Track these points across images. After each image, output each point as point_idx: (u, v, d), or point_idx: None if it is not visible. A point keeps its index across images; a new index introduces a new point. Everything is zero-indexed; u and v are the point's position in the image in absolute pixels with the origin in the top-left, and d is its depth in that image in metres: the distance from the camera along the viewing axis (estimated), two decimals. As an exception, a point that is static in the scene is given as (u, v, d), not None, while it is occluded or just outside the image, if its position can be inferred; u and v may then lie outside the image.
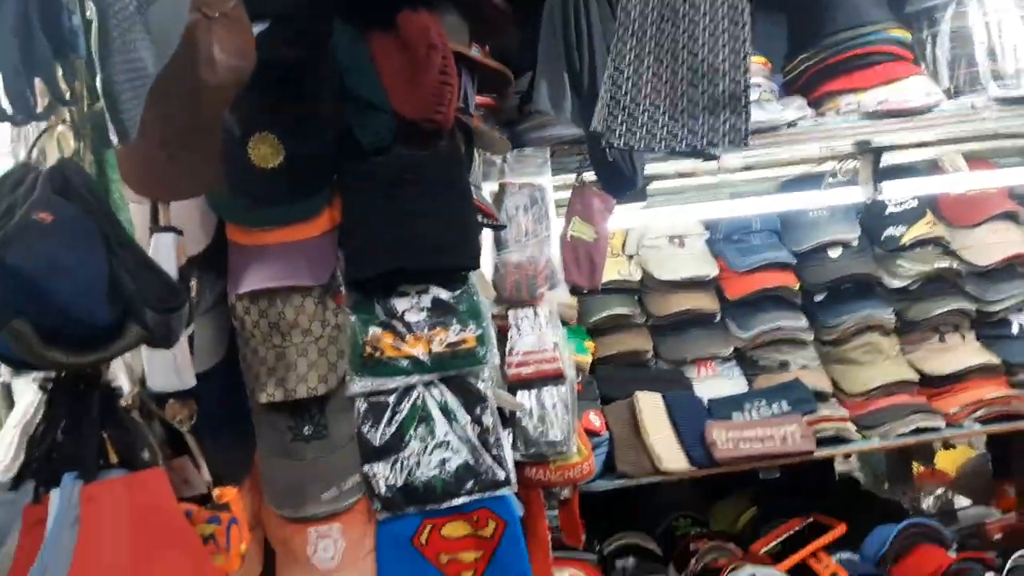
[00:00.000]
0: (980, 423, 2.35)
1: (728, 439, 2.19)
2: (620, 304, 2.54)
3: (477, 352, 1.56)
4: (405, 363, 1.54)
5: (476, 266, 1.55)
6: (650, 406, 2.31)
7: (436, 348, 1.55)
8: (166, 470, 1.00)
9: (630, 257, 2.62)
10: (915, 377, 2.45)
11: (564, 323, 2.47)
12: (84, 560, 0.86)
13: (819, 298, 2.57)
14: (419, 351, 1.54)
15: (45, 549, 0.86)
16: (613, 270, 2.55)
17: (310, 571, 1.52)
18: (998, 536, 2.64)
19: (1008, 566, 2.32)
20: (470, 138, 1.72)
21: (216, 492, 1.11)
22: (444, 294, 1.57)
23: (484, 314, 1.58)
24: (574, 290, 2.58)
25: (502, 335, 2.05)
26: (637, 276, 2.58)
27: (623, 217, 2.55)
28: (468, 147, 1.71)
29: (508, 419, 1.88)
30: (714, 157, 1.85)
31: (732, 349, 2.51)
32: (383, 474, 1.53)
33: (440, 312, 1.57)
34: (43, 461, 0.93)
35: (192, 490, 1.03)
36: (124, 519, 0.89)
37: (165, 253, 1.27)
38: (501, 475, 1.56)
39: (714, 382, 2.46)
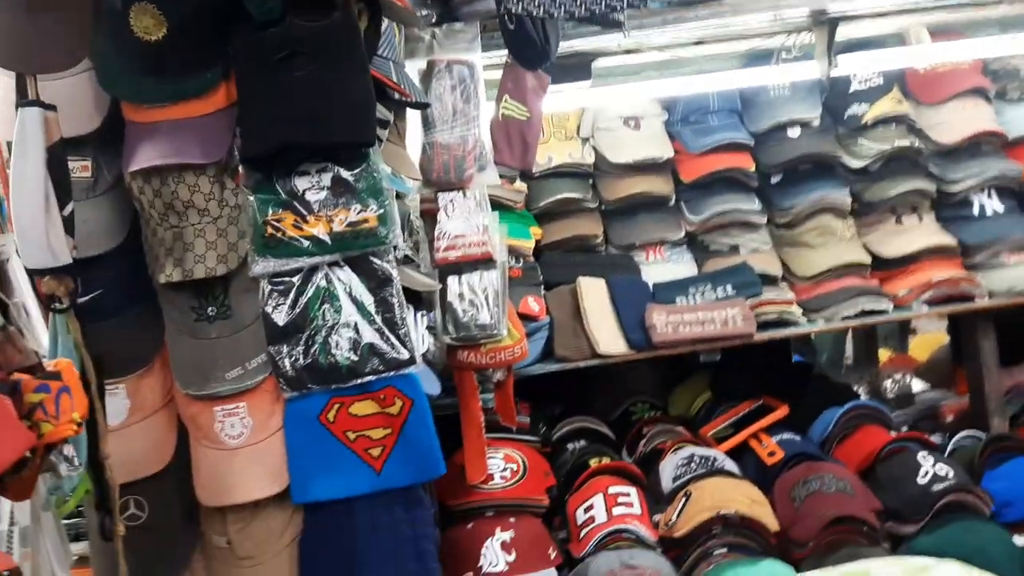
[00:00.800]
0: (929, 305, 2.32)
1: (668, 322, 2.18)
2: (571, 188, 2.49)
3: (379, 232, 1.53)
4: (307, 243, 1.52)
5: (371, 142, 1.51)
6: (593, 291, 2.29)
7: (337, 228, 1.53)
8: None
9: (584, 140, 2.55)
10: (867, 260, 2.40)
11: (510, 209, 2.44)
12: None
13: (775, 180, 2.51)
14: (320, 231, 1.52)
15: None
16: (565, 153, 2.49)
17: (218, 447, 1.55)
18: (950, 419, 2.64)
19: (950, 447, 2.33)
20: (377, 10, 1.64)
21: (48, 362, 1.12)
22: (344, 173, 1.54)
23: (385, 193, 1.55)
24: (523, 175, 2.54)
25: (430, 218, 2.03)
26: (590, 159, 2.52)
27: (574, 97, 2.48)
28: (374, 19, 1.64)
29: (425, 301, 1.87)
30: (618, 24, 1.76)
31: (683, 233, 2.47)
32: (288, 354, 1.54)
33: (340, 191, 1.54)
34: None
35: (26, 360, 1.04)
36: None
37: (32, 129, 1.24)
38: (405, 354, 1.56)
39: (663, 267, 2.43)
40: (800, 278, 2.40)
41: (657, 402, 2.79)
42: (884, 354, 3.29)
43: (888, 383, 2.86)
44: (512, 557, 1.93)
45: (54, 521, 1.45)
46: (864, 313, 2.28)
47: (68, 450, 1.05)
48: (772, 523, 2.00)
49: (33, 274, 1.20)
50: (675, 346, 2.18)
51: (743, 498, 2.03)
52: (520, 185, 2.47)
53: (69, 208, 1.28)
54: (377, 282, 1.56)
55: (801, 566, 1.99)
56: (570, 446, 2.53)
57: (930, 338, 3.63)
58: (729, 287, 2.29)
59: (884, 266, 2.42)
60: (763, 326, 2.22)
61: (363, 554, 1.56)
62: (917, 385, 2.92)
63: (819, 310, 2.30)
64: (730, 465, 2.21)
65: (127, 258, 1.54)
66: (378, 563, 1.56)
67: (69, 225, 1.22)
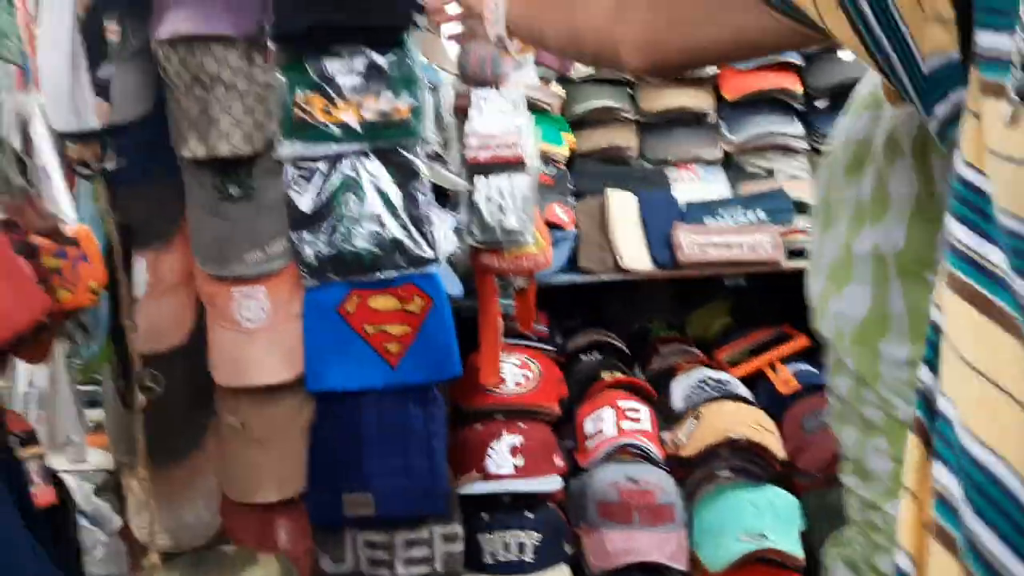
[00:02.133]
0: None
1: (694, 242, 2.14)
2: (609, 96, 2.41)
3: (410, 124, 1.49)
4: (336, 130, 1.48)
5: (408, 25, 1.44)
6: (621, 204, 2.24)
7: (368, 116, 1.48)
8: (13, 202, 0.97)
9: (627, 47, 2.44)
10: (906, 195, 2.32)
11: (545, 112, 2.37)
12: None
13: (821, 104, 2.41)
14: (350, 118, 1.48)
15: None
16: (605, 59, 2.39)
17: (235, 329, 1.55)
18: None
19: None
20: None
21: (68, 228, 1.10)
22: (378, 58, 1.48)
23: (420, 84, 1.50)
24: (561, 78, 2.46)
25: (462, 115, 1.96)
26: (631, 68, 2.41)
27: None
28: None
29: (453, 200, 1.83)
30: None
31: (720, 153, 2.39)
32: (310, 241, 1.52)
33: (373, 78, 1.49)
34: None
35: (45, 223, 1.02)
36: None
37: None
38: (429, 253, 1.54)
39: (695, 186, 2.36)
40: (836, 209, 2.33)
41: (675, 321, 2.77)
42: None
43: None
44: (519, 461, 1.94)
45: (70, 387, 1.46)
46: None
47: (84, 318, 1.04)
48: (779, 451, 2.00)
49: (62, 138, 1.16)
50: (700, 267, 2.14)
51: (753, 424, 2.02)
52: (557, 89, 2.39)
53: (102, 70, 1.23)
54: (405, 176, 1.53)
55: (804, 496, 2.00)
56: (584, 358, 2.53)
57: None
58: (761, 212, 2.22)
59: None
60: (792, 254, 2.17)
61: (373, 447, 1.57)
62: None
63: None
64: (742, 390, 2.20)
65: (152, 129, 1.51)
66: (387, 456, 1.57)
67: (102, 89, 1.18)
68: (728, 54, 1.00)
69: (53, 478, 1.13)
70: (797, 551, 1.86)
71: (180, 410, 1.60)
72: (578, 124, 2.41)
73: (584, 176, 2.34)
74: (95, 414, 1.66)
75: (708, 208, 2.26)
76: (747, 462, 2.00)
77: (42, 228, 0.99)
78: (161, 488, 1.59)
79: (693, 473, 2.03)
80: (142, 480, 1.26)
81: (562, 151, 2.30)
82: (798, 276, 2.64)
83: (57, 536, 1.06)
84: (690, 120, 2.42)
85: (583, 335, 2.58)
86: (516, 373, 2.13)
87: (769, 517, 1.90)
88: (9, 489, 1.03)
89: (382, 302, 1.57)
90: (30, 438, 1.07)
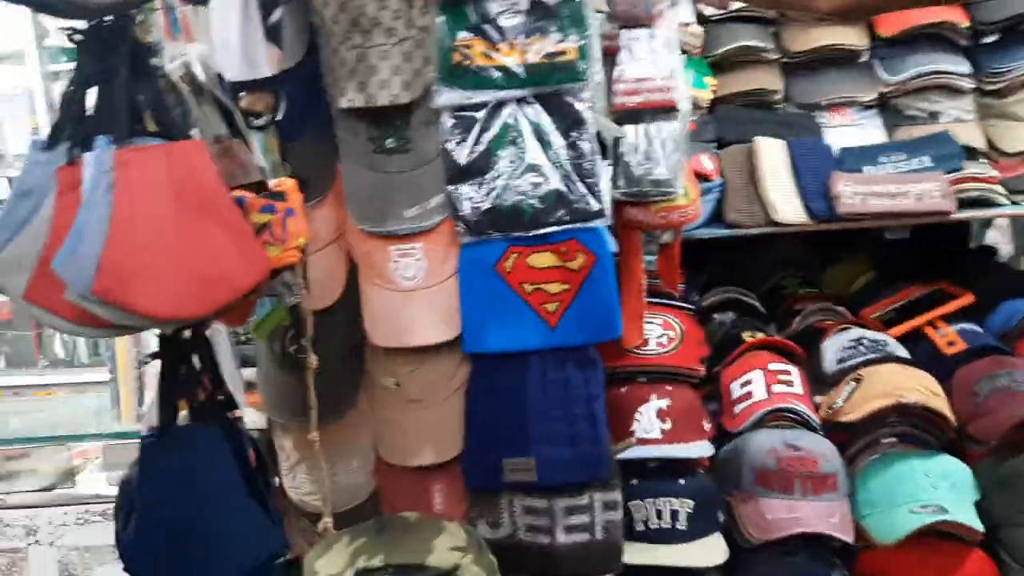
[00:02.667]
0: None
1: (855, 193, 1.98)
2: (752, 35, 2.23)
3: (577, 66, 1.38)
4: (497, 74, 1.39)
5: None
6: (771, 152, 2.09)
7: (532, 58, 1.38)
8: (218, 152, 0.92)
9: (770, -18, 2.27)
10: (1089, 138, 2.11)
11: (686, 53, 2.22)
12: (121, 227, 0.81)
13: (989, 39, 2.19)
14: (512, 61, 1.38)
15: (81, 214, 0.82)
16: (747, -5, 2.22)
17: (392, 288, 1.49)
18: None
19: None
20: None
21: (273, 181, 1.04)
22: (544, -6, 1.37)
23: (588, 22, 1.39)
24: (700, 17, 2.30)
25: (610, 58, 1.84)
26: (774, 4, 2.24)
27: (767, -69, 2.18)
28: None
29: (608, 151, 1.72)
30: None
31: (876, 94, 2.20)
32: (468, 195, 1.44)
33: (539, 17, 1.38)
34: (75, 122, 0.87)
35: (247, 176, 0.96)
36: (162, 188, 0.83)
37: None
38: (595, 206, 1.45)
39: (849, 131, 2.19)
40: (1005, 154, 2.13)
41: (810, 277, 2.61)
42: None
43: (1076, 277, 2.60)
44: (667, 425, 1.85)
45: (229, 345, 1.43)
46: (1081, 198, 2.02)
47: (288, 277, 0.99)
48: (952, 418, 1.86)
49: (235, 88, 1.10)
50: (861, 219, 1.98)
51: (922, 388, 1.88)
52: (697, 28, 2.23)
53: (276, 14, 1.16)
54: (569, 123, 1.43)
55: (976, 465, 1.86)
56: (717, 317, 2.41)
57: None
58: (927, 158, 2.04)
59: (1107, 146, 2.13)
60: (962, 204, 1.99)
61: (534, 411, 1.50)
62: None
63: (1025, 191, 2.05)
64: (903, 352, 2.05)
65: (304, 80, 1.44)
66: (549, 421, 1.50)
67: (275, 34, 1.11)
68: None
69: (251, 440, 1.09)
70: (976, 524, 1.73)
71: (333, 371, 1.55)
72: (717, 66, 2.26)
73: (726, 122, 2.20)
74: (247, 373, 1.64)
75: (867, 154, 2.09)
76: (916, 429, 1.87)
77: (243, 180, 0.93)
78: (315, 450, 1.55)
79: (854, 440, 1.90)
80: (313, 443, 1.22)
81: (706, 95, 2.15)
82: (960, 231, 2.47)
83: (260, 492, 1.03)
84: (841, 59, 2.23)
85: (716, 292, 2.46)
86: (659, 333, 2.03)
87: (945, 488, 1.77)
88: (235, 454, 1.00)
89: (541, 259, 1.48)
90: (232, 402, 1.03)
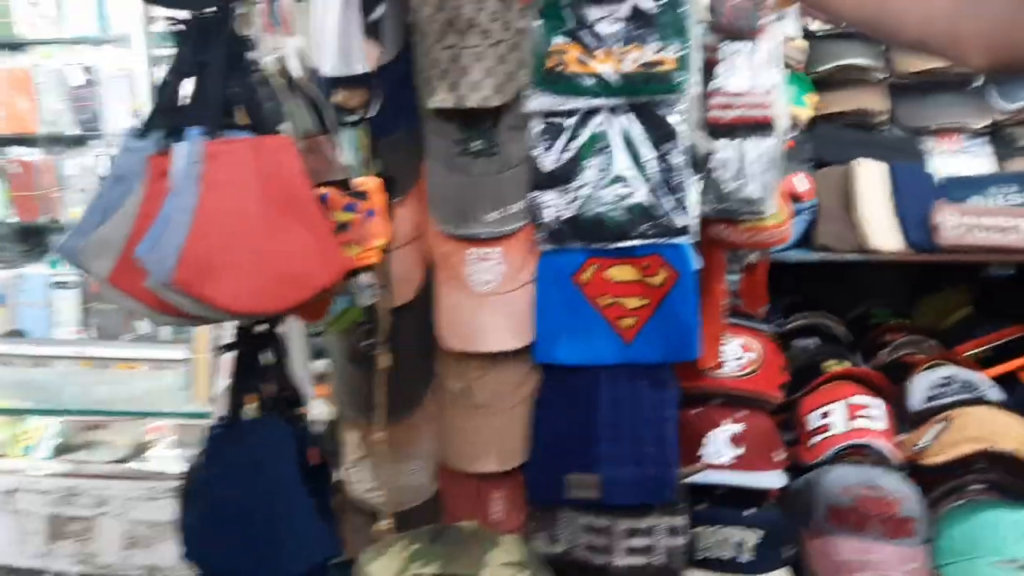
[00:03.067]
0: None
1: (959, 224, 1.87)
2: (859, 53, 2.14)
3: (674, 77, 1.34)
4: (590, 81, 1.35)
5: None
6: (870, 176, 2.00)
7: (627, 67, 1.35)
8: (305, 148, 0.91)
9: (882, -2, 2.17)
10: None
11: (787, 67, 2.14)
12: (205, 219, 0.81)
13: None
14: (608, 69, 1.34)
15: (168, 203, 0.82)
16: (857, 12, 2.13)
17: (466, 291, 1.48)
18: None
19: None
20: None
21: (357, 180, 1.03)
22: (646, 3, 1.33)
23: (690, 32, 1.34)
24: (806, 32, 2.21)
25: (709, 69, 1.78)
26: (886, 22, 2.14)
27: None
28: None
29: (699, 165, 1.66)
30: None
31: (988, 121, 2.09)
32: (551, 202, 1.41)
33: (638, 24, 1.35)
34: (169, 111, 0.88)
35: (331, 173, 0.95)
36: (248, 183, 0.83)
37: None
38: (681, 221, 1.40)
39: (956, 159, 2.08)
40: None
41: (902, 308, 2.50)
42: None
43: None
44: (739, 451, 1.78)
45: (303, 337, 1.44)
46: None
47: (365, 278, 0.98)
48: (1048, 470, 1.74)
49: (331, 83, 1.10)
50: (964, 252, 1.88)
51: (1016, 435, 1.77)
52: (801, 43, 2.16)
53: (378, 11, 1.16)
54: (661, 135, 1.39)
55: (1072, 523, 1.74)
56: (798, 343, 2.33)
57: None
58: (1040, 192, 1.93)
59: None
60: (1074, 243, 1.87)
61: (602, 428, 1.46)
62: None
63: None
64: (996, 394, 1.94)
65: (397, 78, 1.43)
66: (617, 440, 1.46)
67: (374, 30, 1.10)
68: None
69: (316, 439, 1.09)
70: (1066, 587, 1.62)
71: (403, 371, 1.55)
72: (821, 84, 2.17)
73: (825, 142, 2.11)
74: (319, 364, 1.65)
75: (974, 184, 1.98)
76: (1008, 477, 1.76)
77: (328, 177, 0.93)
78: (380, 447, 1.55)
79: (937, 483, 1.80)
80: (378, 442, 1.21)
81: (804, 113, 2.07)
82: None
83: (319, 493, 1.03)
84: (953, 83, 2.13)
85: (799, 317, 2.37)
86: (738, 355, 1.96)
87: (1034, 544, 1.66)
88: (296, 447, 1.00)
89: (621, 272, 1.44)
90: (300, 398, 1.03)
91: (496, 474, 1.52)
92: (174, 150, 0.84)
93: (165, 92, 0.88)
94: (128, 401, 1.96)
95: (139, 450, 1.75)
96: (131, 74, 2.72)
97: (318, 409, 1.62)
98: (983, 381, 1.97)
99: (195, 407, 1.75)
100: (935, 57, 1.00)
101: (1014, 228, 1.86)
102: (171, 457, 1.75)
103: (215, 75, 0.84)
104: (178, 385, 1.91)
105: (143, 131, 0.90)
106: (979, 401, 1.88)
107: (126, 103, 2.70)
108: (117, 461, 1.74)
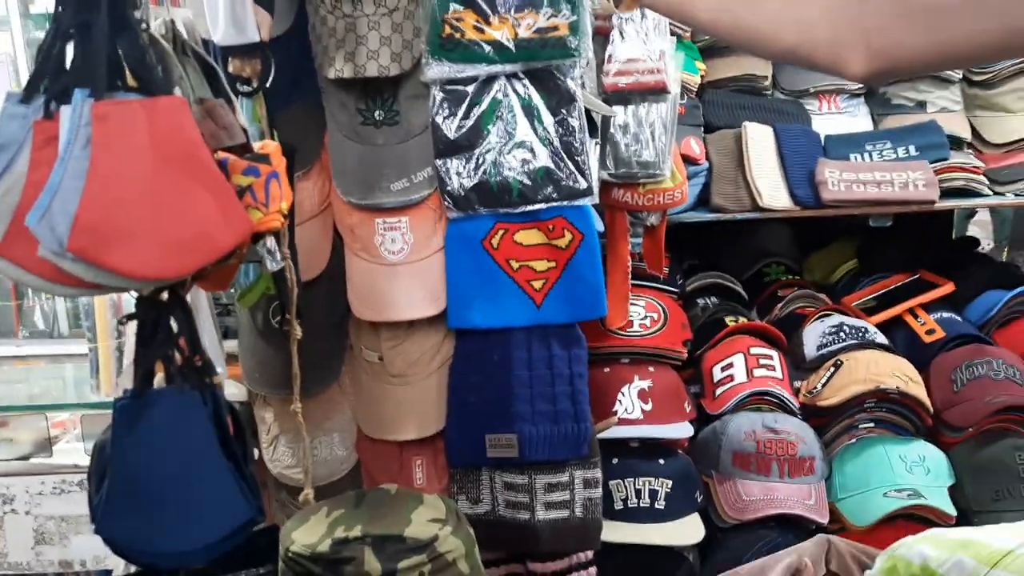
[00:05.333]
0: None
1: (840, 180, 1.99)
2: (742, 22, 2.24)
3: (568, 42, 1.38)
4: (487, 48, 1.38)
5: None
6: (758, 138, 2.09)
7: (523, 33, 1.37)
8: (201, 113, 0.90)
9: (761, -33, 2.26)
10: (1073, 131, 2.13)
11: (677, 37, 2.21)
12: (98, 183, 0.80)
13: None
14: (504, 35, 1.37)
15: (57, 168, 0.80)
16: (739, -19, 2.22)
17: (377, 262, 1.49)
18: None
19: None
20: None
21: (257, 144, 1.03)
22: (537, -31, 1.36)
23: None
24: None
25: (602, 38, 1.83)
26: (766, -10, 2.24)
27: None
28: None
29: (598, 130, 1.72)
30: None
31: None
32: (456, 170, 1.43)
33: (531, -10, 1.37)
34: (53, 75, 0.85)
35: (231, 138, 0.95)
36: (142, 144, 0.82)
37: None
38: (583, 184, 1.44)
39: (836, 119, 2.19)
40: (990, 145, 2.14)
41: (793, 265, 2.63)
42: None
43: (1054, 270, 2.63)
44: (649, 406, 1.86)
45: (211, 315, 1.42)
46: (1062, 189, 2.04)
47: (270, 243, 0.98)
48: (929, 404, 1.88)
49: (224, 53, 1.09)
50: (846, 206, 1.99)
51: (900, 374, 1.90)
52: (688, 13, 2.23)
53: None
54: (559, 100, 1.42)
55: (951, 451, 1.89)
56: (700, 301, 2.42)
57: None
58: (912, 147, 2.05)
59: (1088, 140, 2.15)
60: (945, 194, 2.01)
61: (517, 388, 1.50)
62: (1086, 277, 2.67)
63: (1009, 183, 2.06)
64: (882, 339, 2.07)
65: (293, 49, 1.42)
66: (532, 398, 1.50)
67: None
68: (996, 54, 0.81)
69: (229, 407, 1.09)
70: (949, 508, 1.76)
71: (317, 344, 1.55)
72: (707, 51, 2.26)
73: (715, 107, 2.20)
74: (228, 345, 1.63)
75: (853, 142, 2.10)
76: (894, 414, 1.89)
77: (226, 143, 0.92)
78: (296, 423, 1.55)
79: (831, 423, 1.92)
80: (295, 414, 1.22)
81: (695, 79, 2.15)
82: (943, 221, 2.47)
83: (236, 459, 1.03)
84: (830, 47, 2.24)
85: (700, 277, 2.47)
86: (642, 315, 2.03)
87: (919, 473, 1.80)
88: (212, 419, 0.99)
89: (528, 236, 1.48)
90: (210, 368, 1.03)
91: (416, 441, 1.55)
92: (60, 113, 0.82)
93: (47, 55, 0.85)
94: (29, 397, 1.89)
95: (43, 446, 1.69)
96: (11, 58, 2.59)
97: (230, 390, 1.60)
98: (869, 327, 2.10)
99: (100, 397, 1.70)
100: (803, 67, 0.95)
101: (889, 182, 1.98)
102: (78, 450, 1.70)
103: (99, 36, 0.82)
104: (81, 377, 1.86)
105: (25, 96, 0.87)
106: (866, 345, 2.01)
107: (5, 86, 2.57)
108: (20, 458, 1.68)
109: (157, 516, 0.96)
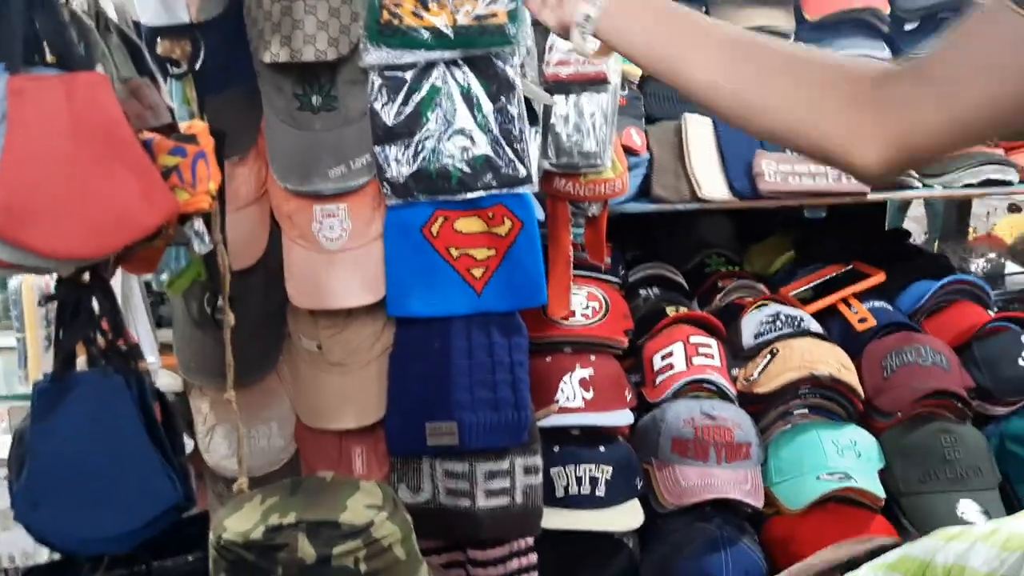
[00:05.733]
0: (1058, 182, 2.14)
1: (777, 171, 2.02)
2: (682, 15, 2.26)
3: (507, 29, 1.38)
4: (426, 34, 1.37)
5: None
6: (698, 130, 2.12)
7: (462, 20, 1.37)
8: (125, 93, 0.88)
9: (702, -38, 2.30)
10: (998, 127, 2.20)
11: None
12: (14, 159, 0.77)
13: (910, 27, 2.27)
14: (442, 21, 1.36)
15: (-28, 141, 0.77)
16: (680, -25, 2.24)
17: (315, 249, 1.47)
18: (1042, 305, 2.53)
19: (1048, 332, 2.22)
20: None
21: (184, 124, 1.01)
22: (475, -44, 1.36)
23: (520, -14, 1.38)
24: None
25: (540, 27, 1.84)
26: (706, -15, 2.28)
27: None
28: None
29: (538, 119, 1.72)
30: None
31: (800, 77, 2.26)
32: (395, 157, 1.42)
33: (469, -23, 1.37)
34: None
35: (157, 119, 0.93)
36: (61, 121, 0.79)
37: None
38: (522, 172, 1.45)
39: (773, 111, 2.24)
40: (920, 139, 2.21)
41: (733, 256, 2.68)
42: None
43: (981, 261, 2.72)
44: (590, 394, 1.88)
45: (144, 303, 1.39)
46: (988, 183, 2.11)
47: (198, 225, 0.96)
48: (860, 390, 1.93)
49: (153, 33, 1.06)
50: (782, 197, 2.03)
51: (833, 361, 1.95)
52: (630, 5, 2.24)
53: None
54: (498, 88, 1.42)
55: (881, 436, 1.95)
56: (643, 292, 2.45)
57: (1017, 219, 3.46)
58: (846, 140, 2.11)
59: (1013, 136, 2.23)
60: (875, 186, 2.06)
61: (457, 376, 1.50)
62: (1010, 266, 2.78)
63: (938, 175, 2.13)
64: (816, 327, 2.12)
65: (227, 32, 1.40)
66: (472, 386, 1.51)
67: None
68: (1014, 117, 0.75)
69: (158, 394, 1.06)
70: (879, 491, 1.81)
71: (254, 332, 1.53)
72: (649, 44, 2.28)
73: (656, 98, 2.22)
74: (162, 334, 1.60)
75: (789, 135, 2.14)
76: (827, 400, 1.94)
77: (152, 123, 0.90)
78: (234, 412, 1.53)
79: (767, 410, 1.97)
80: (228, 402, 1.20)
81: (636, 71, 2.17)
82: (875, 214, 2.53)
83: (164, 445, 1.01)
84: (768, 42, 2.28)
85: (642, 268, 2.50)
86: (584, 305, 2.05)
87: (851, 457, 1.85)
88: (137, 403, 0.97)
89: (468, 223, 1.48)
90: (137, 352, 1.00)
91: (355, 430, 1.54)
92: (-28, 89, 0.79)
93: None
94: (-46, 391, 1.83)
95: (-32, 440, 1.64)
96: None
97: (164, 380, 1.57)
98: (804, 316, 2.15)
99: (29, 389, 1.65)
100: (806, 153, 0.87)
101: (823, 173, 2.03)
102: (5, 443, 1.64)
103: (15, 9, 0.79)
104: (9, 369, 1.80)
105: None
106: (801, 334, 2.05)
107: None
108: (-56, 452, 1.62)
109: (79, 502, 0.93)
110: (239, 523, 1.04)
